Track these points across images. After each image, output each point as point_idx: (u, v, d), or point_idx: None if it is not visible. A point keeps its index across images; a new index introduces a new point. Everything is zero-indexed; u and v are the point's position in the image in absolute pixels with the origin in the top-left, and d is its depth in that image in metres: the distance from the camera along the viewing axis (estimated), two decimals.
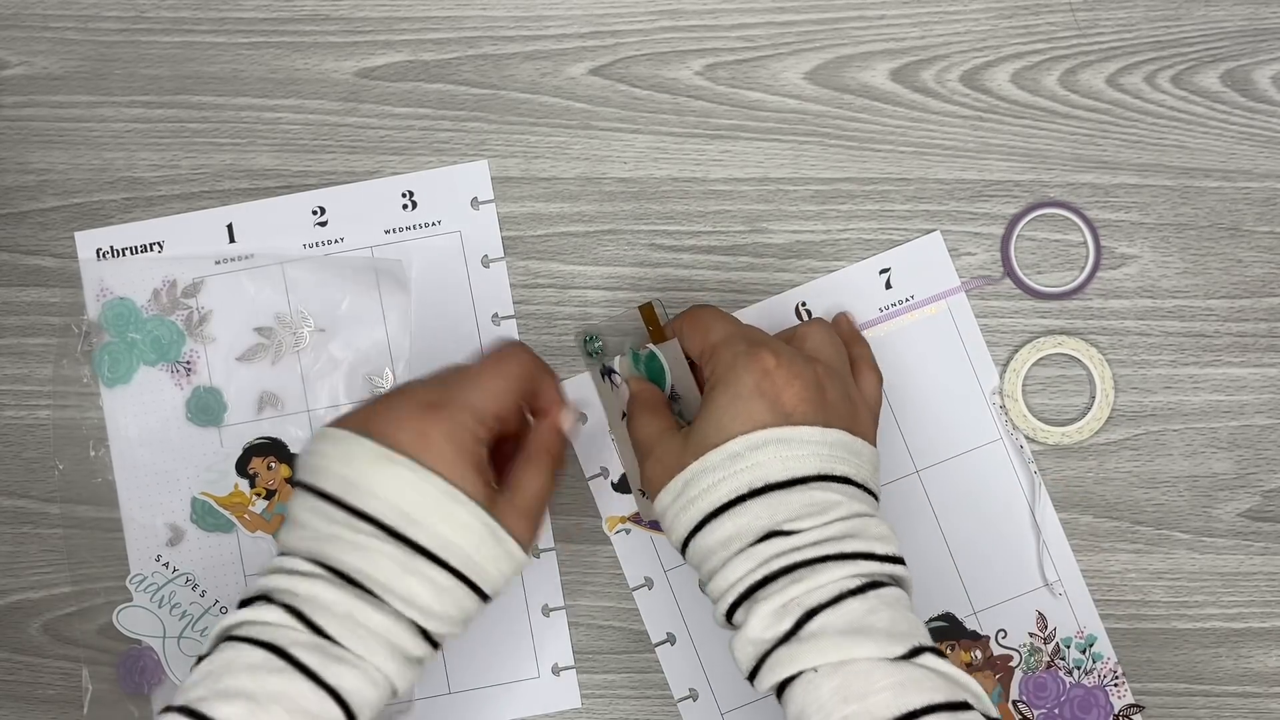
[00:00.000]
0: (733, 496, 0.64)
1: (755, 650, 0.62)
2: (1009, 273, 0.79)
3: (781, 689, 0.62)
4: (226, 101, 0.81)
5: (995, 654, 0.78)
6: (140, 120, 0.81)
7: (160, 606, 0.78)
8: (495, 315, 0.80)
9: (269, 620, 0.61)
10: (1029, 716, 0.78)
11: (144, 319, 0.79)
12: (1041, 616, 0.78)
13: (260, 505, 0.78)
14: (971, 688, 0.61)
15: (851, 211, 0.80)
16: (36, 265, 0.80)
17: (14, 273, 0.80)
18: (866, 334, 0.79)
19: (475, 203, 0.80)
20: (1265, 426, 0.79)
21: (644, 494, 0.72)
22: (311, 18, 0.81)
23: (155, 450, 0.79)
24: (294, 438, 0.79)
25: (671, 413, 0.71)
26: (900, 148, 0.81)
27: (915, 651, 0.61)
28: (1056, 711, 0.78)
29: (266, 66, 0.81)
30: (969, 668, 0.78)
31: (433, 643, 0.64)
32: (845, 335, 0.74)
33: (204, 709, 0.59)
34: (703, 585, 0.66)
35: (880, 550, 0.63)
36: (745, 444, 0.64)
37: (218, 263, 0.80)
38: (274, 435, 0.79)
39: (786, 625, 0.61)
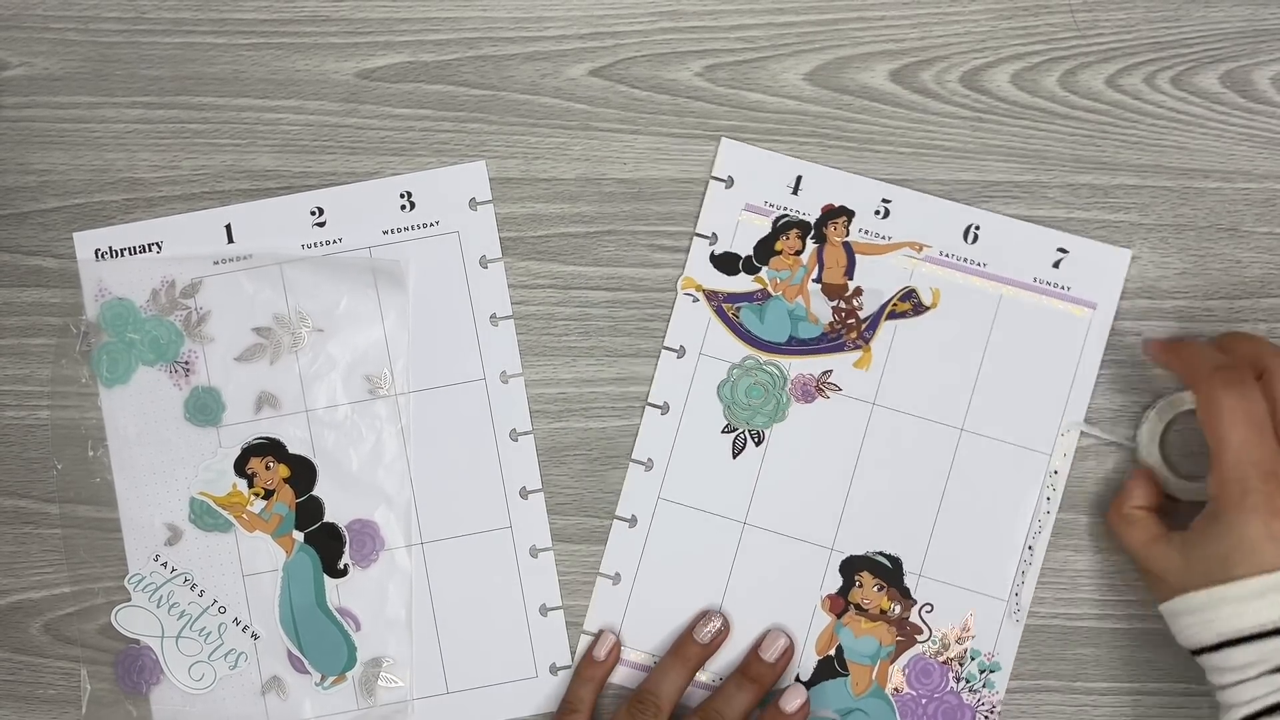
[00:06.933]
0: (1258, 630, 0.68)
1: None
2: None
3: None
4: (227, 102, 0.81)
5: (909, 619, 0.78)
6: (141, 121, 0.81)
7: (159, 606, 0.78)
8: (493, 316, 0.80)
9: None
10: (900, 687, 0.77)
11: (142, 319, 0.79)
12: (971, 621, 0.78)
13: (258, 505, 0.78)
14: None
15: None
16: (37, 266, 0.80)
17: (15, 273, 0.80)
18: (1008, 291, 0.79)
19: (473, 203, 0.80)
20: None
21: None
22: (312, 19, 0.82)
23: (153, 450, 0.79)
24: (292, 437, 0.79)
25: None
26: (900, 148, 0.81)
27: None
28: (924, 702, 0.77)
29: (267, 67, 0.81)
30: (882, 614, 0.77)
31: None
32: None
33: None
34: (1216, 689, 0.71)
35: None
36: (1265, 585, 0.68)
37: (216, 263, 0.80)
38: (272, 435, 0.79)
39: None
